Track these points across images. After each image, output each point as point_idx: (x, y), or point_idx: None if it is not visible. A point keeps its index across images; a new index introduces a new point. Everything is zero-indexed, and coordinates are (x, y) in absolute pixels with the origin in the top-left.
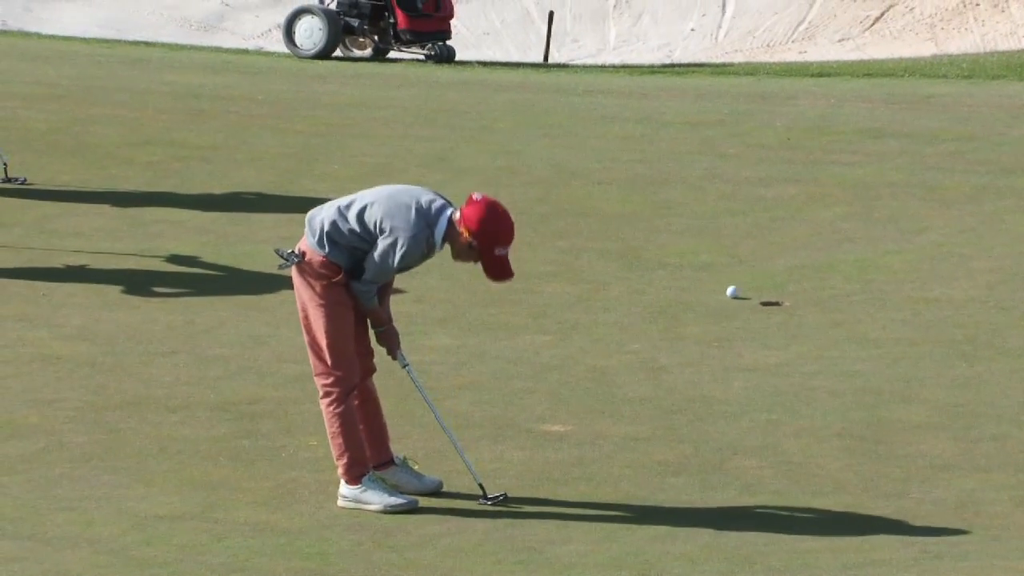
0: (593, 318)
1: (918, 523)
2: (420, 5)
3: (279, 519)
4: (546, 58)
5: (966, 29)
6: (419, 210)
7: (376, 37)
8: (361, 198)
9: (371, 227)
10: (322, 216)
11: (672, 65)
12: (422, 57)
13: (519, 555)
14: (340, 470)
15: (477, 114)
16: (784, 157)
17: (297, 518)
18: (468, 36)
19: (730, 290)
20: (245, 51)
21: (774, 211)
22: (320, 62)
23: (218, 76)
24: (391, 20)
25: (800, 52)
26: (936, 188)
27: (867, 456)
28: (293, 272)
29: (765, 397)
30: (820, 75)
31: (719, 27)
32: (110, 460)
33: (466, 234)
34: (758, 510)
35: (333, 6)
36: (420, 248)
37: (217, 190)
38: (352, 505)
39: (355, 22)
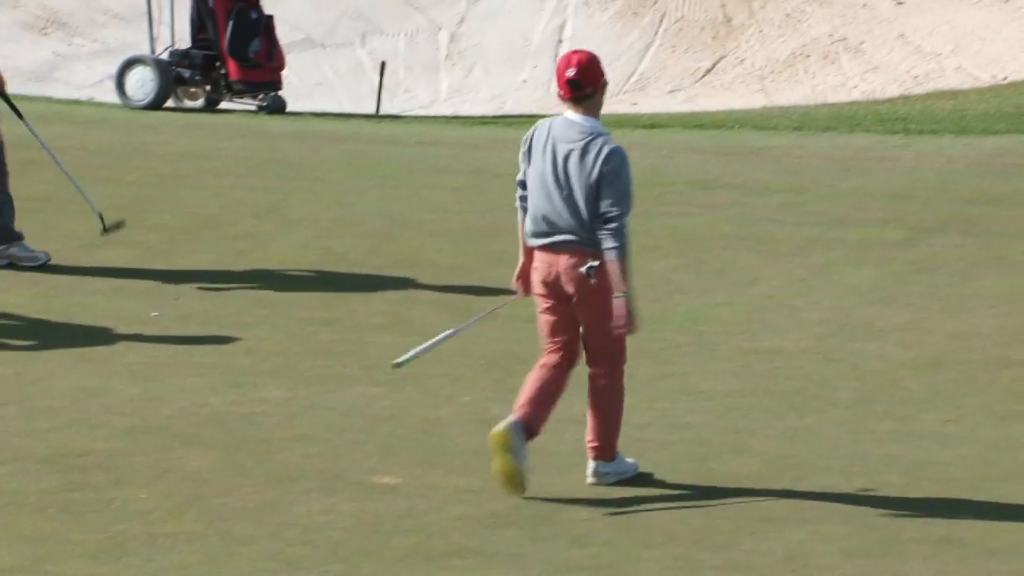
0: (424, 370)
1: (748, 575)
2: (252, 55)
3: (108, 572)
4: (378, 109)
5: (796, 81)
6: (594, 141)
7: (208, 87)
8: (554, 193)
9: (600, 189)
10: (570, 222)
11: (504, 116)
12: (254, 107)
13: None
14: (600, 451)
15: (309, 165)
16: None
17: (126, 571)
18: (300, 86)
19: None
20: (77, 101)
21: None
22: (152, 112)
23: (50, 126)
24: (223, 71)
25: (631, 103)
26: (767, 240)
27: (697, 508)
28: (585, 285)
29: None
30: (651, 126)
31: (551, 79)
32: None
33: (600, 89)
34: (589, 561)
35: (165, 56)
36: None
37: (48, 241)
38: (617, 478)
39: (187, 72)
